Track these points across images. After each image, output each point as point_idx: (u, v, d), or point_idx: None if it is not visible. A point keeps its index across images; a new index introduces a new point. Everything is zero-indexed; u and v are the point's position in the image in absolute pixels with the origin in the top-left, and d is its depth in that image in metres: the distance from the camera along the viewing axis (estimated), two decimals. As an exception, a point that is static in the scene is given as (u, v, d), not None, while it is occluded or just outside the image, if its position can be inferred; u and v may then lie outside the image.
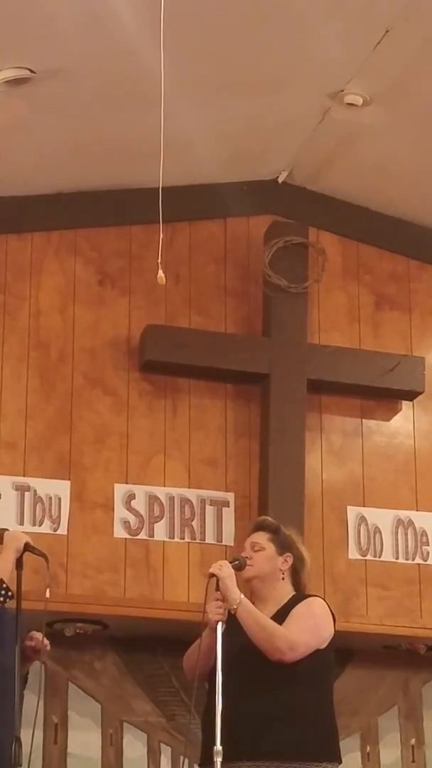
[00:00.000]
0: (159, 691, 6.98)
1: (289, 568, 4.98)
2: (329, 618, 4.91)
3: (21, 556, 4.87)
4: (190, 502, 6.91)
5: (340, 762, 4.77)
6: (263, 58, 6.04)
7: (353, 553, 7.08)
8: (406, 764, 7.27)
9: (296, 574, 5.00)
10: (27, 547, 4.89)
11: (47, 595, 4.87)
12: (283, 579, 4.97)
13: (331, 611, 4.94)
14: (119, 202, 7.10)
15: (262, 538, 5.00)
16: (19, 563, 4.85)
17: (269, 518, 5.26)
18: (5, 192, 6.87)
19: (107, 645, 6.95)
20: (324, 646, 4.83)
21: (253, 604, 4.84)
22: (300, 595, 4.96)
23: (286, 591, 4.96)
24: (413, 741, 7.31)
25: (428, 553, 7.19)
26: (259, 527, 5.08)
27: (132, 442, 6.90)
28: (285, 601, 4.91)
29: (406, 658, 7.25)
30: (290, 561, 4.98)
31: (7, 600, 4.79)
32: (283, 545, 4.99)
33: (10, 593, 4.81)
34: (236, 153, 6.94)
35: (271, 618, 4.80)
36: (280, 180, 7.32)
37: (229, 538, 6.88)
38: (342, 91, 6.37)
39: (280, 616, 4.82)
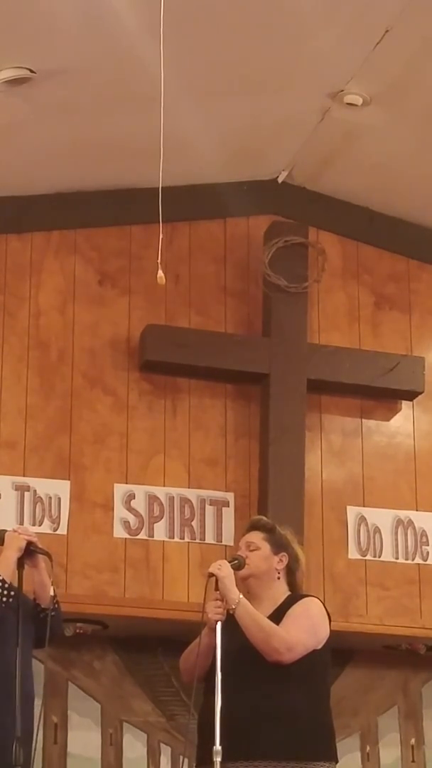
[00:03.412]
0: (159, 691, 6.98)
1: (284, 567, 4.98)
2: (325, 618, 4.91)
3: (23, 555, 4.87)
4: (189, 502, 6.92)
5: (337, 761, 4.77)
6: (263, 58, 6.04)
7: (353, 553, 7.08)
8: (405, 764, 7.27)
9: (291, 573, 5.00)
10: (30, 546, 4.89)
11: (52, 593, 4.88)
12: (278, 578, 4.97)
13: (326, 611, 4.94)
14: (119, 202, 7.09)
15: (256, 537, 5.00)
16: (20, 563, 4.85)
17: (264, 518, 5.27)
18: (5, 192, 6.87)
19: (107, 645, 6.96)
20: (320, 646, 4.83)
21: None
22: (296, 595, 4.96)
23: (282, 591, 4.96)
24: (413, 741, 7.31)
25: (428, 553, 7.19)
26: (254, 527, 5.07)
27: (132, 442, 6.90)
28: (281, 601, 4.91)
29: (406, 658, 7.26)
30: (285, 560, 4.98)
31: (11, 600, 4.80)
32: (279, 545, 4.99)
33: (12, 593, 4.81)
34: (236, 153, 6.94)
35: (268, 618, 4.80)
36: (280, 180, 7.32)
37: (228, 538, 6.88)
38: (342, 91, 6.37)
39: (277, 616, 4.82)
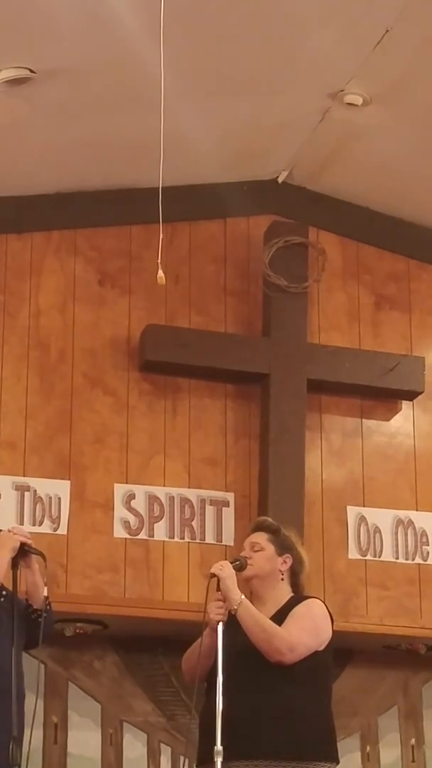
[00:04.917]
0: (159, 691, 6.98)
1: (288, 569, 4.98)
2: (328, 620, 4.90)
3: (17, 555, 4.85)
4: (190, 502, 6.92)
5: (338, 762, 4.77)
6: (263, 58, 6.04)
7: (353, 553, 7.08)
8: (406, 764, 7.27)
9: (295, 575, 4.99)
10: (24, 546, 4.87)
11: (45, 593, 4.87)
12: (282, 580, 4.96)
13: (329, 613, 4.94)
14: (119, 202, 7.10)
15: (261, 538, 5.00)
16: (14, 563, 4.84)
17: (269, 519, 5.25)
18: (5, 192, 6.87)
19: (107, 645, 6.96)
20: (323, 647, 4.83)
21: (251, 604, 4.84)
22: (299, 596, 4.95)
23: (285, 592, 4.95)
24: (413, 741, 7.31)
25: (428, 553, 7.19)
26: (259, 528, 5.07)
27: (132, 442, 6.90)
28: (284, 602, 4.90)
29: (406, 658, 7.26)
30: (289, 562, 4.97)
31: (2, 599, 4.79)
32: (283, 546, 4.98)
33: (4, 592, 4.81)
34: (236, 153, 6.95)
35: (270, 619, 4.80)
36: (280, 180, 7.33)
37: (229, 538, 6.88)
38: (342, 91, 6.38)
39: (279, 618, 4.82)
